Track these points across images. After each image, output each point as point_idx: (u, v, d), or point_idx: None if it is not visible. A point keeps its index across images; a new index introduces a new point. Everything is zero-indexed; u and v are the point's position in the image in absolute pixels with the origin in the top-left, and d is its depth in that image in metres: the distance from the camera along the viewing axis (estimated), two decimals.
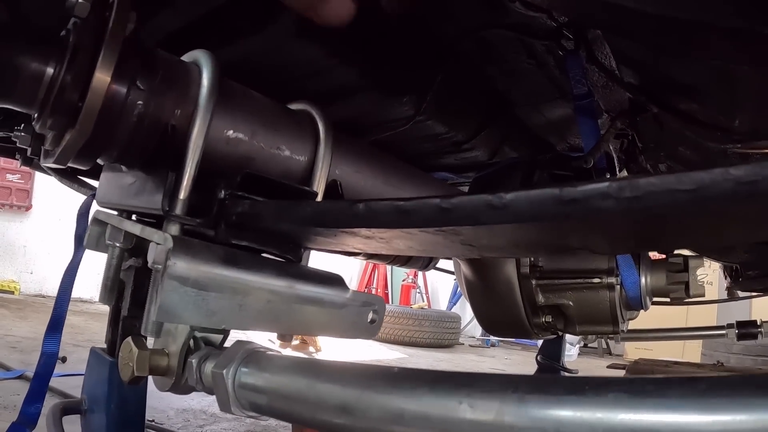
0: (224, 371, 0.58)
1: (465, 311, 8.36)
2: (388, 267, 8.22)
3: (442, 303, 9.61)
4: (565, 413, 0.39)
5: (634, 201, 0.33)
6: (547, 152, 1.82)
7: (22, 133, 0.91)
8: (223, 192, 0.67)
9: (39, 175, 6.49)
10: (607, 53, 1.34)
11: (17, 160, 1.96)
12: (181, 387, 0.73)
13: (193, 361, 0.68)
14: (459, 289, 8.71)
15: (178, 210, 0.67)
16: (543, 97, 1.60)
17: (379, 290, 9.28)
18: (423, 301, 9.35)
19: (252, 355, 0.59)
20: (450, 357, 6.22)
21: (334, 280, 0.79)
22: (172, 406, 2.54)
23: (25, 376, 2.78)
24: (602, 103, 1.57)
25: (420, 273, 8.83)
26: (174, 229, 0.68)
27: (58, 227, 7.12)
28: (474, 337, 8.51)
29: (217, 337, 0.73)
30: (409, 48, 1.24)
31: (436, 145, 1.56)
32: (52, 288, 7.02)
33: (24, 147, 0.90)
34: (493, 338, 7.97)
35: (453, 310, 8.61)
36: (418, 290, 9.55)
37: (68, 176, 1.65)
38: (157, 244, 0.65)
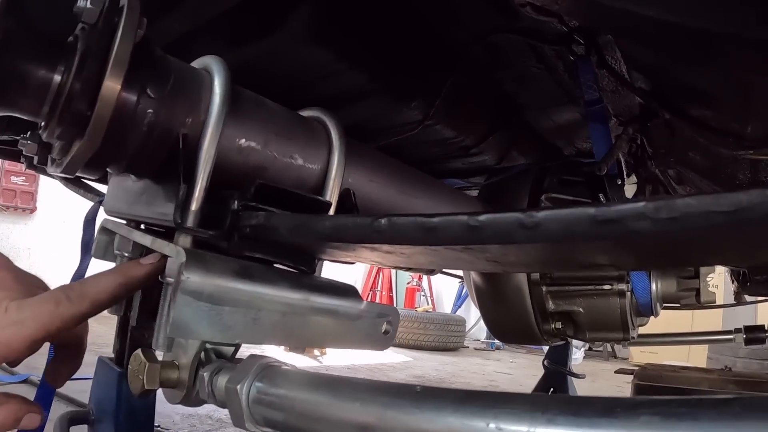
0: (238, 386, 0.57)
1: (470, 314, 8.34)
2: (393, 270, 8.22)
3: (446, 306, 9.59)
4: None
5: (670, 222, 0.31)
6: (554, 156, 1.81)
7: (29, 141, 0.88)
8: (236, 203, 0.66)
9: (43, 178, 6.50)
10: (618, 58, 1.33)
11: (22, 163, 1.95)
12: (192, 400, 0.71)
13: (205, 374, 0.66)
14: (464, 291, 8.67)
15: (190, 222, 0.65)
16: (551, 101, 1.58)
17: (383, 293, 9.28)
18: (427, 304, 9.34)
19: (267, 370, 0.58)
20: (455, 360, 6.20)
21: (348, 291, 0.77)
22: (177, 411, 2.53)
23: (29, 380, 2.77)
24: (611, 107, 1.56)
25: (424, 276, 8.82)
26: (185, 241, 0.67)
27: (62, 230, 7.12)
28: (479, 340, 8.49)
29: (228, 350, 0.72)
30: (419, 52, 1.23)
31: (444, 149, 1.55)
32: None
33: (30, 155, 0.88)
34: (497, 341, 7.95)
35: (457, 313, 8.59)
36: (422, 293, 9.53)
37: (74, 182, 1.64)
38: (168, 257, 0.64)
